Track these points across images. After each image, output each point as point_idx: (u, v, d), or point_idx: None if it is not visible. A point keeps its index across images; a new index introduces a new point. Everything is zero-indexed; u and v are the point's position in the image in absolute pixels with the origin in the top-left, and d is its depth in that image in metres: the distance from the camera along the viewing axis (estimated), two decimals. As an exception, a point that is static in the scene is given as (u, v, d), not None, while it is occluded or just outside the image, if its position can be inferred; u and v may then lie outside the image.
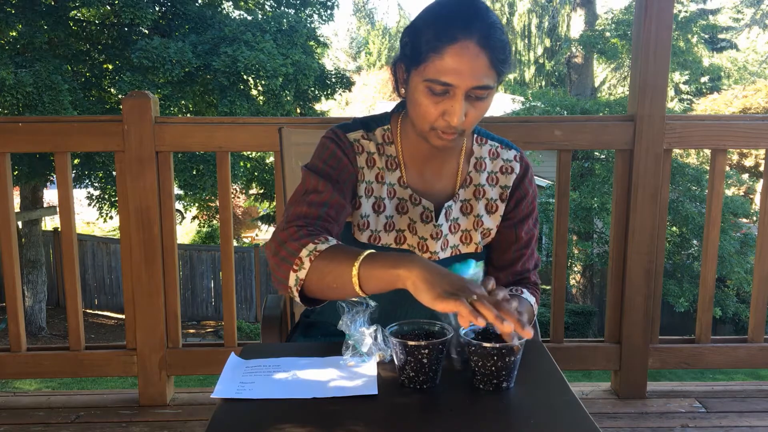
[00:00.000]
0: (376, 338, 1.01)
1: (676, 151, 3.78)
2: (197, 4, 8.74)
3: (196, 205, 10.22)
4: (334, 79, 9.08)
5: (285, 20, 8.35)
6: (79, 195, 10.36)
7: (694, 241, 8.49)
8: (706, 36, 16.26)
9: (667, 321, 7.90)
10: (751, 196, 10.30)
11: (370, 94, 24.25)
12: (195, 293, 10.67)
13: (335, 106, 21.94)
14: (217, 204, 4.24)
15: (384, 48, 28.36)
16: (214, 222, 11.85)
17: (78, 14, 8.70)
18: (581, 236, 9.34)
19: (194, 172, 8.20)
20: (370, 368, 1.01)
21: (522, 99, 10.23)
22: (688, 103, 15.52)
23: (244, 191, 11.94)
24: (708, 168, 2.96)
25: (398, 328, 0.98)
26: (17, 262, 2.15)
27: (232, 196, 7.86)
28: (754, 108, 11.42)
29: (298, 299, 1.03)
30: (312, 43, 9.03)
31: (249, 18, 9.17)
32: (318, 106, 10.30)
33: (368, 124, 1.25)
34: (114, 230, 13.63)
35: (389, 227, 1.22)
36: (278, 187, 1.90)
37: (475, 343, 0.93)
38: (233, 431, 0.85)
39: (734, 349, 2.26)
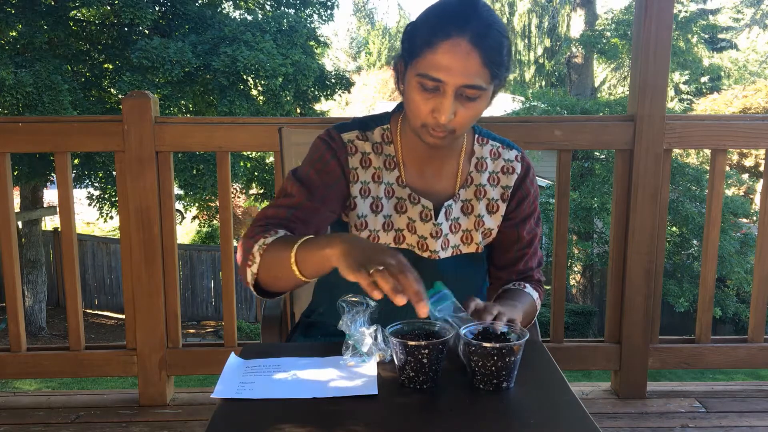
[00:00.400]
0: (376, 338, 1.01)
1: (676, 151, 3.78)
2: (197, 4, 8.75)
3: (196, 205, 10.21)
4: (333, 80, 9.08)
5: (285, 20, 8.35)
6: (80, 195, 10.35)
7: (694, 241, 8.49)
8: (706, 36, 16.25)
9: (667, 321, 7.89)
10: (751, 196, 10.30)
11: (370, 94, 24.24)
12: (195, 293, 10.67)
13: (335, 106, 21.93)
14: (217, 204, 4.24)
15: (384, 48, 28.36)
16: (214, 222, 11.84)
17: (78, 14, 8.70)
18: (581, 236, 9.34)
19: (194, 172, 8.20)
20: (370, 368, 1.01)
21: (522, 99, 10.22)
22: (688, 103, 15.52)
23: (244, 191, 11.94)
24: (708, 168, 2.95)
25: (398, 328, 0.98)
26: (17, 262, 2.15)
27: (232, 196, 7.86)
28: (754, 108, 11.42)
29: (256, 294, 1.09)
30: (312, 43, 9.03)
31: (249, 18, 9.17)
32: (318, 106, 10.30)
33: (367, 123, 1.25)
34: (114, 230, 13.62)
35: (387, 227, 1.23)
36: (278, 187, 1.90)
37: (475, 343, 0.93)
38: (233, 431, 0.85)
39: (734, 349, 2.26)
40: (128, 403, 2.20)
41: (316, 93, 9.12)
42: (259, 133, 2.10)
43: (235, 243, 1.18)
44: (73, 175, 4.31)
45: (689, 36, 13.05)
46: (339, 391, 0.94)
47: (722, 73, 16.94)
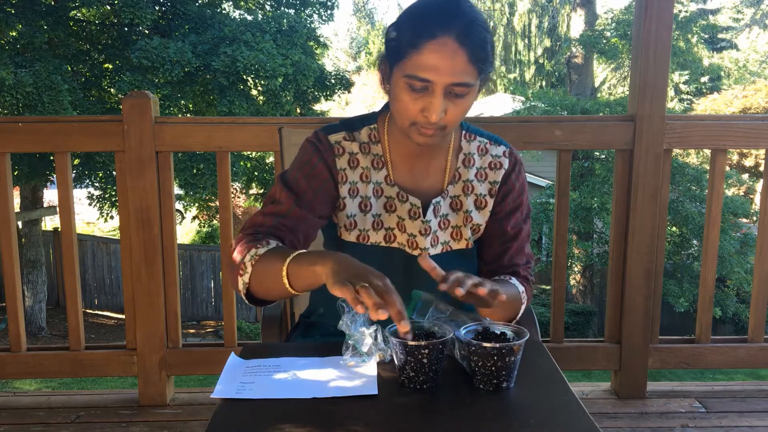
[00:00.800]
0: (376, 338, 1.01)
1: (676, 151, 3.78)
2: (197, 4, 8.75)
3: (196, 205, 10.22)
4: (333, 80, 9.08)
5: (285, 20, 8.35)
6: (80, 195, 10.36)
7: (694, 241, 8.48)
8: (706, 36, 16.25)
9: (667, 321, 7.90)
10: (751, 196, 10.30)
11: (370, 94, 24.24)
12: (195, 293, 10.67)
13: (335, 106, 21.93)
14: (217, 204, 4.24)
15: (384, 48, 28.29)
16: (214, 222, 11.84)
17: (78, 14, 8.70)
18: (581, 236, 9.33)
19: (194, 172, 8.21)
20: (370, 368, 1.01)
21: (522, 99, 10.22)
22: (688, 103, 15.51)
23: (244, 191, 11.94)
24: (708, 168, 2.95)
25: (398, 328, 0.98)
26: (17, 262, 2.15)
27: (232, 196, 7.86)
28: (754, 108, 11.42)
29: (247, 302, 1.11)
30: (312, 43, 9.03)
31: (249, 18, 9.17)
32: (318, 107, 10.30)
33: (354, 124, 1.26)
34: (114, 230, 13.62)
35: (377, 225, 1.23)
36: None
37: (475, 343, 0.93)
38: (233, 431, 0.85)
39: (734, 349, 2.26)
40: (128, 403, 2.20)
41: (316, 93, 9.12)
42: (259, 133, 2.10)
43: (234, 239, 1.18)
44: (73, 175, 4.31)
45: (689, 36, 13.04)
46: (339, 391, 0.94)
47: (722, 73, 16.94)
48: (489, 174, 1.27)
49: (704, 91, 15.47)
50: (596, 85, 15.28)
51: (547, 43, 22.17)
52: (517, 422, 0.88)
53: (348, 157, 1.23)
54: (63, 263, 2.16)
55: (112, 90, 8.71)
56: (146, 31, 8.40)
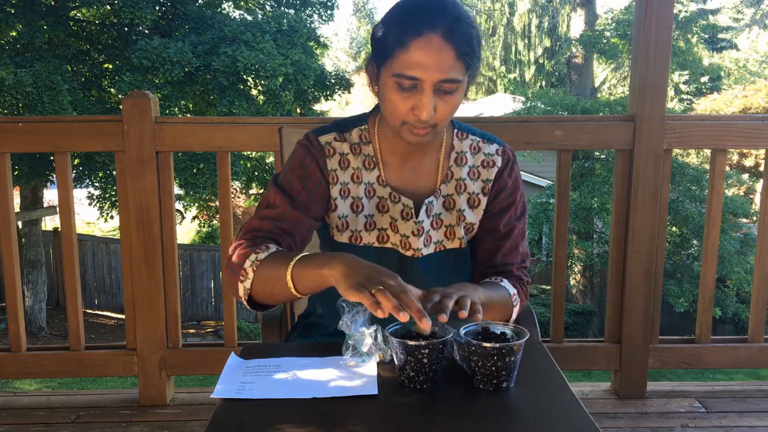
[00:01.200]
0: (376, 338, 1.01)
1: (676, 151, 3.78)
2: (197, 4, 8.75)
3: (196, 205, 10.22)
4: (333, 80, 9.08)
5: (285, 20, 8.35)
6: (80, 195, 10.36)
7: (694, 241, 8.48)
8: (706, 36, 16.25)
9: (667, 321, 7.90)
10: (751, 196, 10.30)
11: (370, 94, 24.23)
12: (195, 293, 10.67)
13: (335, 106, 21.94)
14: (217, 204, 4.24)
15: (384, 48, 28.27)
16: (214, 222, 11.84)
17: (78, 14, 8.70)
18: (581, 236, 9.33)
19: (194, 171, 8.21)
20: (370, 368, 1.01)
21: (522, 99, 10.21)
22: (688, 103, 15.51)
23: (244, 191, 11.94)
24: (708, 168, 2.95)
25: (398, 328, 0.98)
26: (17, 262, 2.15)
27: (232, 196, 7.86)
28: (754, 108, 11.42)
29: (249, 307, 1.10)
30: (312, 43, 9.03)
31: (249, 18, 9.17)
32: (318, 106, 10.30)
33: (344, 125, 1.26)
34: (114, 230, 13.63)
35: (370, 226, 1.23)
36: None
37: (475, 343, 0.92)
38: (233, 431, 0.85)
39: (734, 349, 2.26)
40: (128, 403, 2.20)
41: (316, 93, 9.13)
42: (259, 133, 2.10)
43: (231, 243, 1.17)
44: (73, 175, 4.31)
45: (689, 36, 13.03)
46: (339, 391, 0.94)
47: (722, 73, 16.94)
48: (482, 172, 1.26)
49: (704, 91, 15.47)
50: (596, 85, 15.28)
51: (547, 43, 22.16)
52: (517, 422, 0.88)
53: (339, 157, 1.23)
54: (63, 263, 2.16)
55: (112, 90, 8.71)
56: (146, 31, 8.40)
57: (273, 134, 2.02)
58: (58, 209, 2.17)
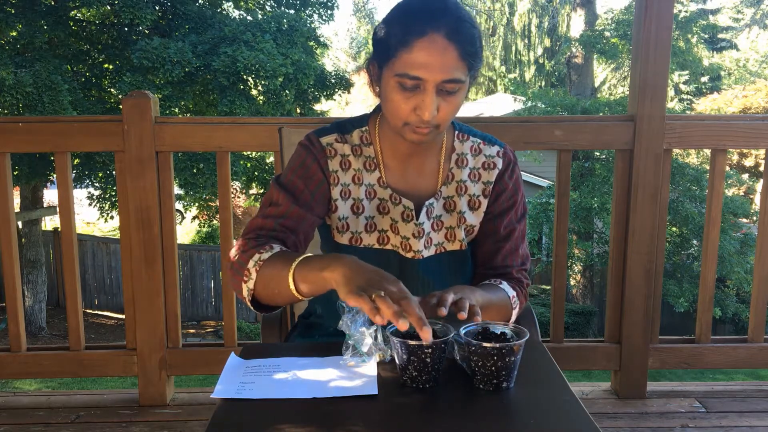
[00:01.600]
0: (376, 338, 1.01)
1: (676, 151, 3.79)
2: (197, 4, 8.74)
3: (196, 205, 10.22)
4: (333, 80, 9.08)
5: (285, 20, 8.35)
6: (80, 195, 10.36)
7: (694, 241, 8.48)
8: (706, 36, 16.25)
9: (667, 321, 7.90)
10: (751, 196, 10.30)
11: (370, 94, 24.22)
12: (195, 293, 10.67)
13: (335, 106, 21.94)
14: (217, 204, 4.24)
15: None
16: (214, 222, 11.85)
17: (78, 14, 8.70)
18: (581, 236, 9.33)
19: (194, 171, 8.21)
20: (370, 368, 1.01)
21: (523, 99, 10.22)
22: (688, 103, 15.52)
23: (244, 191, 11.94)
24: (708, 168, 2.96)
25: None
26: (17, 262, 2.15)
27: (232, 195, 7.86)
28: (754, 108, 11.42)
29: (252, 308, 1.09)
30: (312, 43, 9.03)
31: (249, 18, 9.17)
32: (318, 106, 10.30)
33: (345, 126, 1.25)
34: (114, 230, 13.63)
35: (370, 228, 1.23)
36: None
37: (475, 343, 0.92)
38: (233, 431, 0.85)
39: (734, 349, 2.26)
40: (128, 403, 2.20)
41: (316, 93, 9.13)
42: (259, 133, 2.10)
43: (235, 243, 1.17)
44: (73, 175, 4.31)
45: (689, 36, 13.03)
46: (339, 391, 0.94)
47: (722, 72, 16.94)
48: (482, 174, 1.26)
49: (704, 91, 15.48)
50: (596, 85, 15.28)
51: (547, 43, 22.16)
52: (517, 422, 0.88)
53: (340, 159, 1.22)
54: (63, 263, 2.16)
55: (112, 90, 8.71)
56: (146, 31, 8.40)
57: (273, 134, 2.02)
58: (58, 209, 2.17)
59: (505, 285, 1.22)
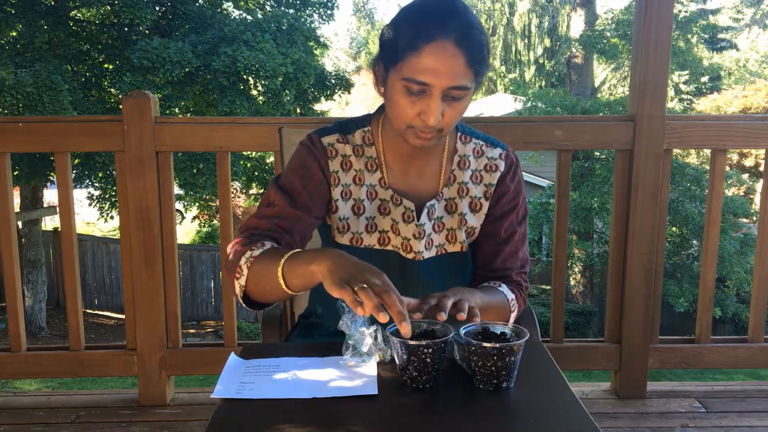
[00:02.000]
0: (376, 338, 1.01)
1: (676, 151, 3.78)
2: (197, 4, 8.74)
3: (196, 205, 10.22)
4: (333, 81, 9.08)
5: (285, 20, 8.35)
6: (80, 195, 10.36)
7: (694, 241, 8.48)
8: (706, 36, 16.25)
9: (667, 321, 7.90)
10: (751, 196, 10.30)
11: (370, 94, 24.23)
12: (195, 293, 10.67)
13: (335, 106, 21.93)
14: (217, 204, 4.24)
15: (384, 48, 28.25)
16: (214, 222, 11.85)
17: (78, 14, 8.70)
18: (581, 236, 9.33)
19: (194, 171, 8.21)
20: (370, 368, 1.01)
21: (523, 99, 10.22)
22: (688, 103, 15.51)
23: (244, 191, 11.94)
24: (708, 168, 2.96)
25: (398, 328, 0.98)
26: (17, 262, 2.15)
27: (232, 195, 7.86)
28: (754, 108, 11.42)
29: (245, 305, 1.10)
30: (312, 43, 9.03)
31: (249, 18, 9.17)
32: (318, 106, 10.30)
33: (347, 126, 1.25)
34: (114, 230, 13.63)
35: (371, 228, 1.22)
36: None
37: (475, 343, 0.92)
38: (233, 431, 0.85)
39: (734, 349, 2.26)
40: (128, 403, 2.20)
41: (316, 93, 9.13)
42: (259, 133, 2.10)
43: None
44: (73, 175, 4.31)
45: (689, 36, 13.04)
46: (339, 391, 0.94)
47: (723, 72, 16.94)
48: (484, 176, 1.26)
49: (704, 91, 15.48)
50: (596, 85, 15.28)
51: (547, 43, 22.16)
52: (517, 422, 0.88)
53: (341, 159, 1.22)
54: (63, 263, 2.16)
55: (112, 90, 8.71)
56: (146, 31, 8.40)
57: (273, 134, 2.02)
58: (58, 209, 2.17)
59: (504, 288, 1.22)
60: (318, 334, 1.34)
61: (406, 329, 0.86)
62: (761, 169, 7.84)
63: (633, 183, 2.12)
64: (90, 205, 9.61)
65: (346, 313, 0.99)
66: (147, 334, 2.15)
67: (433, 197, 1.24)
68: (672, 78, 15.29)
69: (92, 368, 2.22)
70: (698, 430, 2.01)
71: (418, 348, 0.92)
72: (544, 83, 21.79)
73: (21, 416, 2.12)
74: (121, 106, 2.07)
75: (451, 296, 0.98)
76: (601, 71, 17.53)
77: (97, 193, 9.28)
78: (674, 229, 8.44)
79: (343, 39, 32.70)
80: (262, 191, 10.40)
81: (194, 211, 11.44)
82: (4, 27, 7.60)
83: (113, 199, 8.82)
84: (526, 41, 22.42)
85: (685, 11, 14.13)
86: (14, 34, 7.86)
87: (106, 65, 8.85)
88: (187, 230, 15.90)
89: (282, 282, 0.99)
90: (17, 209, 8.71)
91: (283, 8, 9.27)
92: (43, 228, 10.08)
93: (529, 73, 22.37)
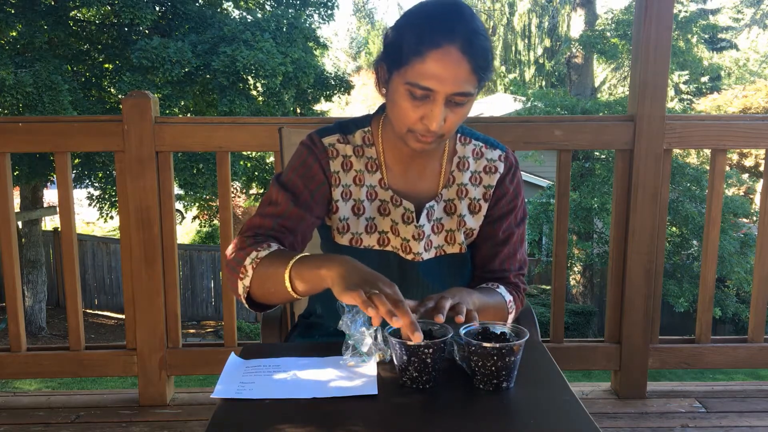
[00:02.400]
0: (376, 338, 1.01)
1: (676, 151, 3.78)
2: (197, 4, 8.74)
3: (196, 205, 10.22)
4: (333, 81, 9.07)
5: (284, 19, 8.35)
6: (80, 195, 10.36)
7: (694, 241, 8.49)
8: (706, 36, 16.24)
9: (667, 321, 7.90)
10: (751, 196, 10.30)
11: (370, 94, 24.23)
12: (195, 293, 10.68)
13: (335, 106, 21.93)
14: (217, 204, 4.24)
15: (384, 48, 28.27)
16: (214, 222, 11.84)
17: (78, 14, 8.71)
18: (581, 236, 9.33)
19: (194, 171, 8.21)
20: (370, 368, 1.01)
21: (523, 99, 10.22)
22: (688, 103, 15.51)
23: (244, 191, 11.94)
24: (708, 168, 2.96)
25: (398, 329, 0.98)
26: (17, 262, 2.15)
27: (232, 195, 7.86)
28: (754, 108, 11.42)
29: (247, 306, 1.09)
30: (311, 43, 9.03)
31: (249, 18, 9.17)
32: (318, 106, 10.29)
33: (347, 126, 1.25)
34: (114, 230, 13.63)
35: (370, 229, 1.22)
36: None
37: (475, 343, 0.92)
38: (233, 431, 0.85)
39: (734, 349, 2.26)
40: (128, 403, 2.20)
41: (316, 94, 9.12)
42: (259, 133, 2.10)
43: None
44: (73, 175, 4.31)
45: (689, 36, 13.03)
46: (339, 391, 0.93)
47: (722, 72, 16.94)
48: (484, 178, 1.26)
49: (704, 91, 15.47)
50: (596, 85, 15.28)
51: (547, 43, 22.17)
52: (517, 422, 0.88)
53: (341, 159, 1.22)
54: (63, 263, 2.16)
55: (112, 90, 8.71)
56: (146, 31, 8.40)
57: (273, 134, 2.02)
58: (58, 209, 2.17)
59: (502, 289, 1.22)
60: (318, 334, 1.34)
61: (418, 338, 0.86)
62: (761, 169, 7.84)
63: (633, 183, 2.12)
64: (90, 205, 9.61)
65: (346, 313, 0.99)
66: (147, 334, 2.15)
67: (432, 198, 1.24)
68: (672, 78, 15.28)
69: (92, 368, 2.22)
70: (698, 430, 2.01)
71: (418, 348, 0.92)
72: (544, 83, 21.79)
73: (21, 416, 2.12)
74: (121, 106, 2.08)
75: (449, 298, 0.98)
76: (601, 71, 17.53)
77: (97, 193, 9.28)
78: (674, 229, 8.44)
79: (343, 39, 32.71)
80: (262, 191, 10.40)
81: (194, 211, 11.43)
82: (4, 27, 7.60)
83: (113, 199, 8.82)
84: (526, 41, 22.43)
85: (685, 11, 14.12)
86: (14, 34, 7.86)
87: (106, 65, 8.85)
88: (187, 230, 15.90)
89: (288, 285, 0.99)
90: (17, 209, 8.71)
91: (282, 8, 9.27)
92: (43, 228, 10.08)
93: (529, 73, 22.38)
